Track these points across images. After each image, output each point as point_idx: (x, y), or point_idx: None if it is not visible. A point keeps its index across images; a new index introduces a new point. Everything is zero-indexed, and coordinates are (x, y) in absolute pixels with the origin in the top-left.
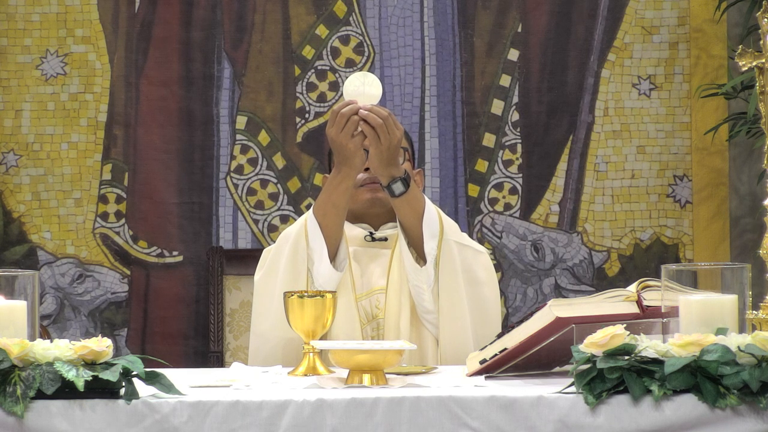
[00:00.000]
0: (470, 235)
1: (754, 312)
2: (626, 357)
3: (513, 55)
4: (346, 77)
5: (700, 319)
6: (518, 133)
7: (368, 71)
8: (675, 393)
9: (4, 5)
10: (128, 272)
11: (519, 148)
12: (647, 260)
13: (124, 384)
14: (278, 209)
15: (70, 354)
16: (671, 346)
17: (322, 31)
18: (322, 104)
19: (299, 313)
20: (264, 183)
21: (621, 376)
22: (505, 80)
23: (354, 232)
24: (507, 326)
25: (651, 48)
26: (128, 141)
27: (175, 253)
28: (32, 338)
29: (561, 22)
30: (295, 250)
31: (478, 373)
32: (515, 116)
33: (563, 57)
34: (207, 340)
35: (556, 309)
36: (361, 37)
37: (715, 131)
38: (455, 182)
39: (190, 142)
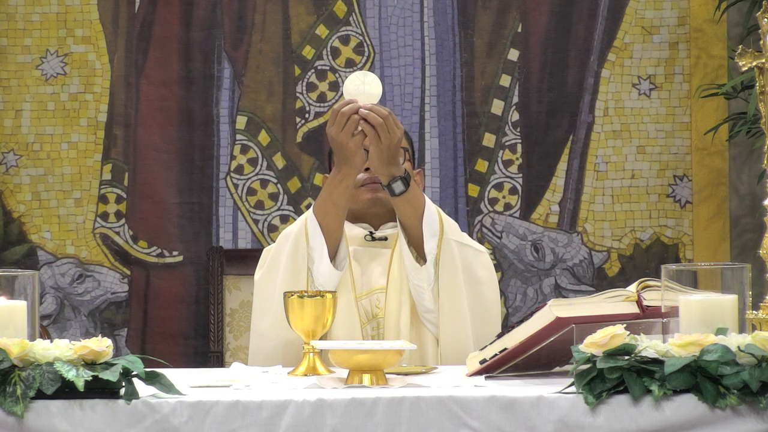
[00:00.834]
0: (470, 235)
1: (754, 312)
2: (626, 357)
3: (513, 55)
4: (347, 77)
5: (700, 319)
6: (518, 133)
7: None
8: (675, 393)
9: (4, 5)
10: (128, 272)
11: (519, 148)
12: (647, 260)
13: (124, 384)
14: (278, 209)
15: (70, 354)
16: (671, 346)
17: (322, 31)
18: (322, 104)
19: (299, 313)
20: (264, 183)
21: (621, 376)
22: (505, 80)
23: (354, 231)
24: (507, 326)
25: (651, 48)
26: (128, 141)
27: (175, 253)
28: (32, 338)
29: (561, 22)
30: (295, 249)
31: (478, 373)
32: (515, 116)
33: (563, 57)
34: (207, 340)
35: (556, 309)
36: (361, 37)
37: (715, 131)
38: (455, 182)
39: (190, 142)
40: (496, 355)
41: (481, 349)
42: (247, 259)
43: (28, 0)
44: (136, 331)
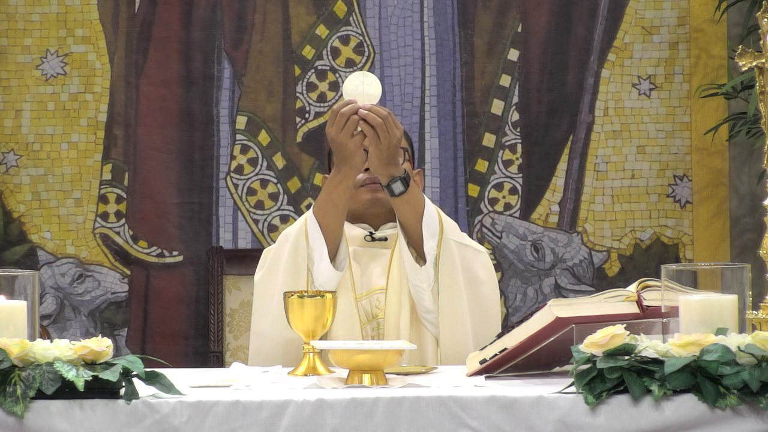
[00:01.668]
0: (470, 235)
1: (754, 312)
2: (626, 357)
3: (513, 55)
4: (347, 77)
5: (700, 319)
6: (518, 133)
7: (368, 71)
8: (675, 393)
9: (4, 5)
10: (128, 272)
11: (519, 148)
12: (647, 260)
13: (124, 384)
14: (278, 209)
15: (70, 354)
16: (671, 346)
17: (322, 31)
18: (322, 104)
19: (299, 313)
20: (264, 183)
21: (621, 376)
22: (505, 80)
23: (354, 232)
24: (507, 326)
25: (651, 48)
26: (128, 141)
27: (175, 253)
28: (32, 338)
29: (561, 22)
30: (295, 249)
31: (478, 373)
32: (515, 116)
33: (563, 57)
34: (207, 340)
35: (556, 309)
36: (361, 37)
37: (715, 131)
38: (455, 182)
39: (190, 142)
40: (496, 355)
41: (481, 349)
42: (247, 259)
43: (28, 0)
44: (136, 331)
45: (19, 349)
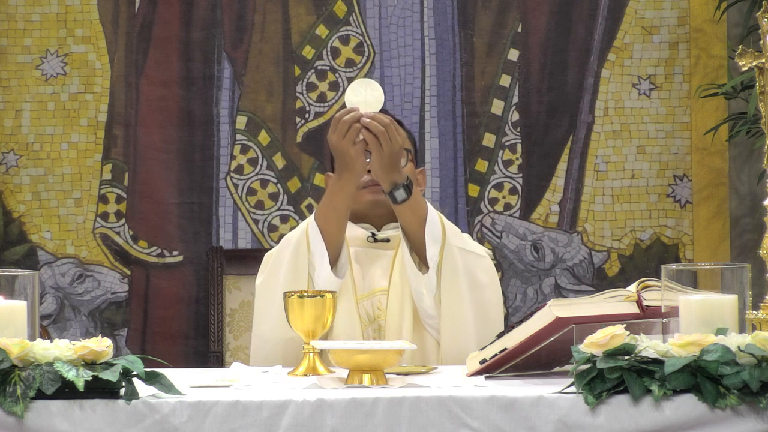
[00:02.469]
0: (470, 235)
1: (754, 312)
2: (626, 357)
3: (513, 55)
4: (347, 77)
5: (700, 319)
6: (518, 133)
7: (368, 71)
8: (675, 393)
9: (4, 5)
10: (128, 272)
11: (519, 148)
12: (647, 260)
13: (124, 384)
14: (278, 209)
15: (70, 354)
16: (671, 346)
17: (322, 31)
18: (322, 104)
19: (299, 313)
20: (264, 183)
21: (621, 376)
22: (505, 80)
23: (356, 232)
24: (507, 326)
25: (651, 48)
26: (128, 141)
27: (175, 253)
28: (32, 338)
29: (561, 22)
30: (296, 254)
31: (478, 373)
32: (515, 116)
33: (563, 57)
34: (207, 340)
35: (556, 309)
36: (361, 37)
37: (715, 131)
38: (455, 182)
39: (190, 142)
40: (496, 355)
41: (481, 349)
42: (247, 259)
43: (28, 0)
44: (136, 331)
45: (19, 349)
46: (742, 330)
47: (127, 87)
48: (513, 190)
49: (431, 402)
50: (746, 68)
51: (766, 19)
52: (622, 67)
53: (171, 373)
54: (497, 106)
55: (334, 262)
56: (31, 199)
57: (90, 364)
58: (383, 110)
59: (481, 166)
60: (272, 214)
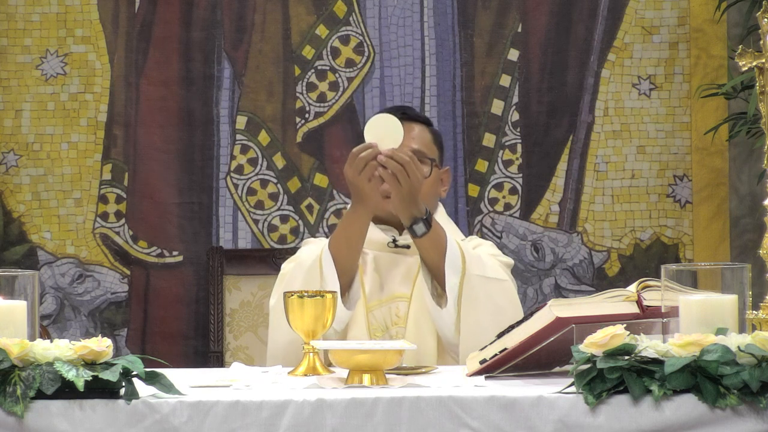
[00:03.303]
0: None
1: (754, 312)
2: (626, 357)
3: (513, 55)
4: (347, 77)
5: (700, 319)
6: (518, 133)
7: (368, 71)
8: (675, 393)
9: (4, 5)
10: (128, 272)
11: (519, 148)
12: (647, 260)
13: (124, 384)
14: (278, 209)
15: (70, 354)
16: (671, 346)
17: (322, 31)
18: (322, 104)
19: (299, 313)
20: (264, 183)
21: (621, 376)
22: (505, 80)
23: (377, 236)
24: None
25: (651, 48)
26: (128, 141)
27: (175, 253)
28: (32, 338)
29: (561, 22)
30: (308, 280)
31: (478, 373)
32: (515, 116)
33: (563, 57)
34: (207, 340)
35: (556, 309)
36: (361, 37)
37: (715, 131)
38: (455, 182)
39: (190, 142)
40: (496, 355)
41: (481, 349)
42: (247, 259)
43: (28, 0)
44: (136, 331)
45: (19, 349)
46: (742, 330)
47: (127, 87)
48: (513, 190)
49: (431, 402)
50: (746, 68)
51: (766, 19)
52: (622, 67)
53: (171, 373)
54: (497, 106)
55: (345, 290)
56: (31, 199)
57: (90, 364)
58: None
59: (481, 166)
60: (272, 214)
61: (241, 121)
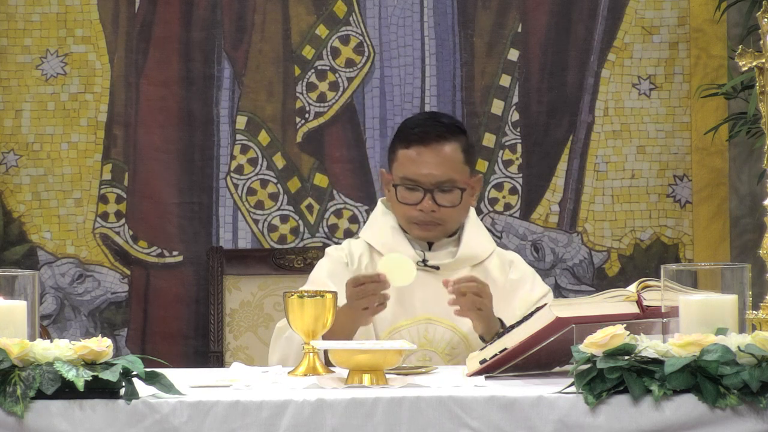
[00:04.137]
0: None
1: (754, 312)
2: (626, 357)
3: (513, 55)
4: (347, 77)
5: (700, 319)
6: (518, 133)
7: (368, 71)
8: (675, 393)
9: (4, 5)
10: (128, 272)
11: (519, 148)
12: (647, 260)
13: (124, 384)
14: (278, 209)
15: (70, 354)
16: (671, 346)
17: (322, 31)
18: (322, 104)
19: (299, 313)
20: (264, 183)
21: (621, 376)
22: (505, 80)
23: (408, 252)
24: (507, 326)
25: (651, 48)
26: (128, 141)
27: (175, 253)
28: (32, 338)
29: (561, 22)
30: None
31: (478, 373)
32: (515, 116)
33: (563, 57)
34: (207, 340)
35: (556, 309)
36: (361, 37)
37: (715, 131)
38: None
39: (190, 142)
40: (496, 355)
41: (481, 349)
42: (247, 259)
43: (28, 0)
44: (136, 331)
45: (19, 349)
46: (742, 330)
47: (127, 87)
48: (513, 190)
49: (431, 402)
50: (746, 68)
51: (766, 19)
52: (622, 67)
53: (171, 373)
54: (497, 106)
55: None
56: (31, 199)
57: (90, 364)
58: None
59: (481, 166)
60: (272, 214)
61: (241, 121)
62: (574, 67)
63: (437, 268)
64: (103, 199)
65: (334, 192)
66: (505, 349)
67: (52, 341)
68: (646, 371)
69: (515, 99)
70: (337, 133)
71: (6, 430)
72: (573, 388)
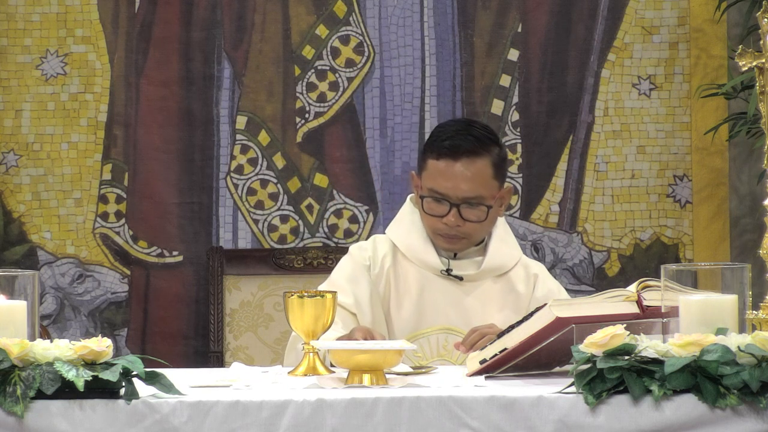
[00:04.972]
0: None
1: (754, 312)
2: (626, 357)
3: (513, 55)
4: (347, 77)
5: (700, 319)
6: (518, 133)
7: (368, 71)
8: (675, 393)
9: (4, 5)
10: (128, 272)
11: (519, 148)
12: (647, 260)
13: (124, 384)
14: (278, 209)
15: (70, 354)
16: (671, 346)
17: (322, 31)
18: (322, 104)
19: (299, 313)
20: (264, 183)
21: (621, 376)
22: (505, 80)
23: (432, 259)
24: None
25: (651, 48)
26: (128, 141)
27: (175, 253)
28: (32, 338)
29: (561, 22)
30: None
31: (478, 373)
32: (515, 116)
33: (563, 57)
34: (207, 340)
35: (556, 309)
36: (361, 37)
37: (715, 131)
38: None
39: (190, 142)
40: (496, 355)
41: (482, 349)
42: (247, 260)
43: (28, 0)
44: (136, 331)
45: (19, 349)
46: (742, 330)
47: (127, 87)
48: (513, 190)
49: (431, 402)
50: (746, 68)
51: (766, 19)
52: (622, 67)
53: (171, 373)
54: (497, 106)
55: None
56: (31, 199)
57: (90, 364)
58: None
59: None
60: (272, 214)
61: (241, 121)
62: (574, 67)
63: (461, 278)
64: (103, 199)
65: (334, 192)
66: (505, 349)
67: (52, 341)
68: (646, 371)
69: (515, 99)
70: (337, 133)
71: (6, 430)
72: (573, 388)
